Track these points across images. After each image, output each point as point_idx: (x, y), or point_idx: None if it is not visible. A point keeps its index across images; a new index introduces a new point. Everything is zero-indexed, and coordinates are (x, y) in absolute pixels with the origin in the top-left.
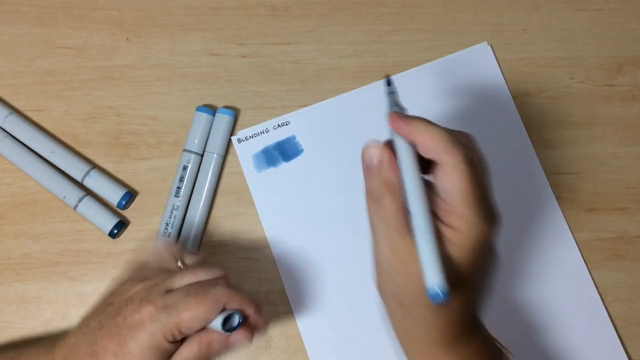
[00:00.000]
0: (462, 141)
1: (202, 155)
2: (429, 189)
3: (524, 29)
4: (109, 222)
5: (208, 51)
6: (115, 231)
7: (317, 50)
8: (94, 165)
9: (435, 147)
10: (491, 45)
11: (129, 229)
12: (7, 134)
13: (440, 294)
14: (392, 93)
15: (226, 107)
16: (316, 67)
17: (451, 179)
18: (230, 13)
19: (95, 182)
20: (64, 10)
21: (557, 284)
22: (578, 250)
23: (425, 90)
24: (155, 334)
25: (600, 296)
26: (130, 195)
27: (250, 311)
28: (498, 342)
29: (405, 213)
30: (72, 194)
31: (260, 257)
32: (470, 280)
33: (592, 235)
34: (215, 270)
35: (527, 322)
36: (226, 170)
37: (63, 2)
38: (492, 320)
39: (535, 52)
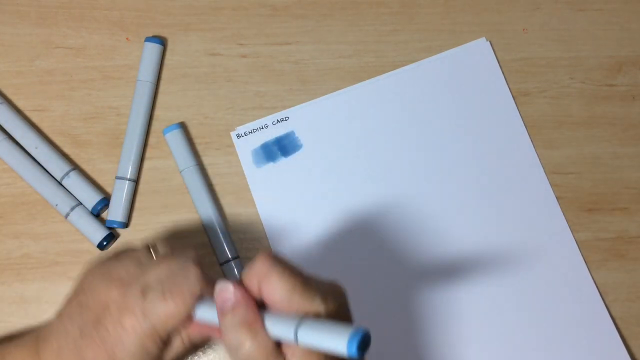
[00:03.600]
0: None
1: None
2: None
3: (524, 29)
4: (99, 233)
5: (208, 51)
6: (105, 243)
7: (317, 50)
8: (76, 167)
9: (248, 281)
10: (490, 41)
11: (129, 229)
12: (5, 136)
13: (358, 334)
14: None
15: (169, 125)
16: (316, 67)
17: (274, 290)
18: (230, 13)
19: (73, 183)
20: (64, 10)
21: (557, 284)
22: (578, 250)
23: (423, 87)
24: (142, 341)
25: (601, 296)
26: (106, 201)
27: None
28: None
29: (273, 353)
30: (64, 202)
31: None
32: None
33: (592, 235)
34: (187, 252)
35: (527, 321)
36: (226, 170)
37: (63, 2)
38: (492, 320)
39: (535, 52)
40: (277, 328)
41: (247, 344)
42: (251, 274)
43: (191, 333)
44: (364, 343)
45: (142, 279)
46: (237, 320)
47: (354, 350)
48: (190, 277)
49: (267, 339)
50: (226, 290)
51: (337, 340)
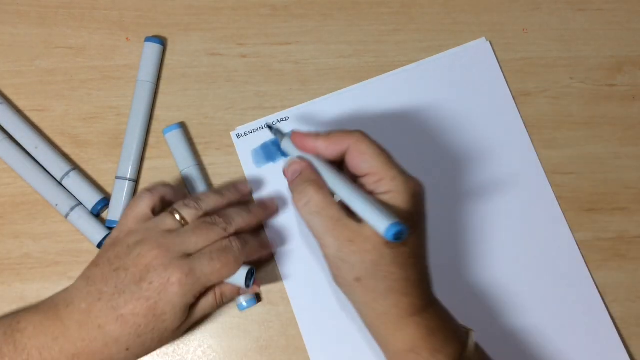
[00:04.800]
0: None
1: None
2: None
3: (524, 29)
4: (99, 233)
5: (208, 51)
6: None
7: (317, 50)
8: (76, 167)
9: (335, 141)
10: (490, 41)
11: None
12: (5, 136)
13: (397, 227)
14: (277, 132)
15: (169, 125)
16: (316, 67)
17: (363, 153)
18: (230, 13)
19: (73, 183)
20: (64, 10)
21: (557, 284)
22: (578, 250)
23: (423, 87)
24: (186, 296)
25: (601, 296)
26: (106, 201)
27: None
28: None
29: (333, 202)
30: (64, 202)
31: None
32: (417, 229)
33: (592, 235)
34: (216, 209)
35: (527, 322)
36: (226, 170)
37: (63, 2)
38: (492, 320)
39: (535, 52)
40: (335, 186)
41: (315, 197)
42: (343, 136)
43: (225, 291)
44: (398, 237)
45: (182, 244)
46: (305, 178)
47: (390, 235)
48: (234, 247)
49: (328, 192)
50: (295, 162)
51: (380, 219)
